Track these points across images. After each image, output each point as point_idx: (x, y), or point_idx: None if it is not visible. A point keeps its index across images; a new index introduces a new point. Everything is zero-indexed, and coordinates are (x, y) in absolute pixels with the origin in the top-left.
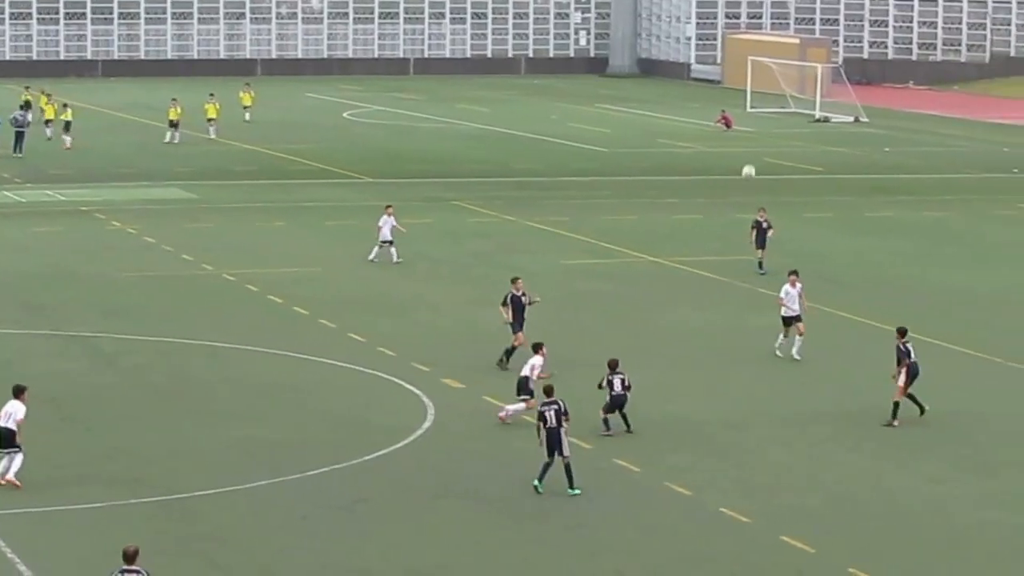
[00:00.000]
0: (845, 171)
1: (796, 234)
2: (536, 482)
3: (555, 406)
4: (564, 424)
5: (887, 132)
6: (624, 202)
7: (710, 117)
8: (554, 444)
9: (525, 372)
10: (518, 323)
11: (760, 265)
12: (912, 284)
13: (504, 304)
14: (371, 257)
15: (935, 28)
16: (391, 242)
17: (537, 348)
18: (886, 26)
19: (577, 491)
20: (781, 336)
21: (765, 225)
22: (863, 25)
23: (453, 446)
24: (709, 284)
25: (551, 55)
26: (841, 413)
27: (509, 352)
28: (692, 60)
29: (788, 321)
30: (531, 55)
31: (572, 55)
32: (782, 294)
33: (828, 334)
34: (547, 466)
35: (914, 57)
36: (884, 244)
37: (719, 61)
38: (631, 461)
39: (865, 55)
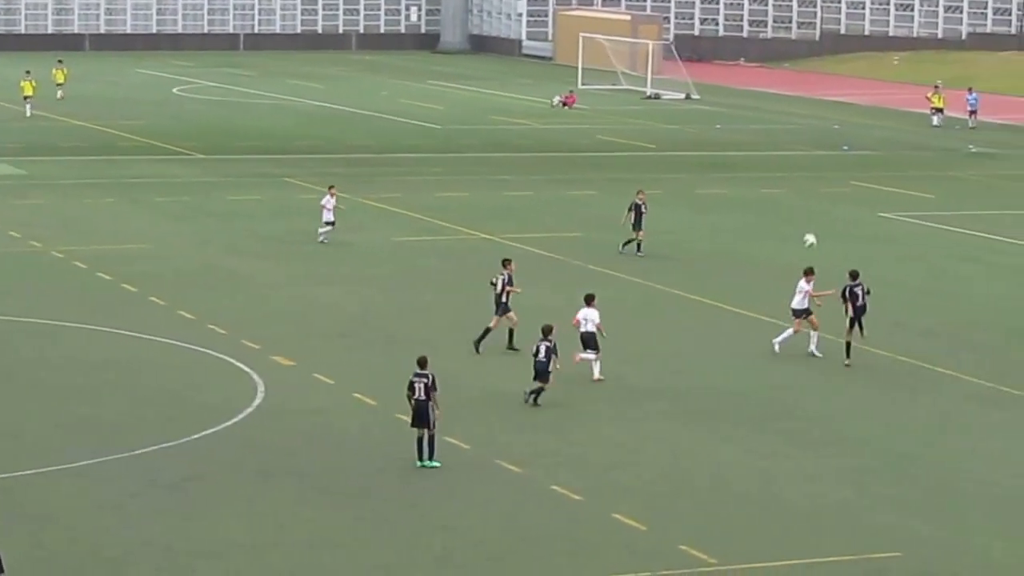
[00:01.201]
0: (677, 148)
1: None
2: (417, 461)
3: (424, 379)
4: (432, 397)
5: (718, 109)
6: (456, 179)
7: (542, 93)
8: (422, 416)
9: (590, 328)
10: (501, 306)
11: (639, 247)
12: (743, 261)
13: (510, 284)
14: (320, 239)
15: (766, 5)
16: (333, 223)
17: (589, 300)
18: (717, 3)
19: (436, 464)
20: (790, 330)
21: (644, 207)
22: (694, 2)
23: (283, 424)
24: (541, 261)
25: (382, 31)
26: (671, 389)
27: (484, 334)
28: (523, 37)
29: (799, 313)
30: (362, 31)
31: (403, 31)
32: (798, 289)
33: (659, 311)
34: (420, 440)
35: (745, 34)
36: (715, 221)
37: (550, 38)
38: (461, 438)
39: (696, 32)
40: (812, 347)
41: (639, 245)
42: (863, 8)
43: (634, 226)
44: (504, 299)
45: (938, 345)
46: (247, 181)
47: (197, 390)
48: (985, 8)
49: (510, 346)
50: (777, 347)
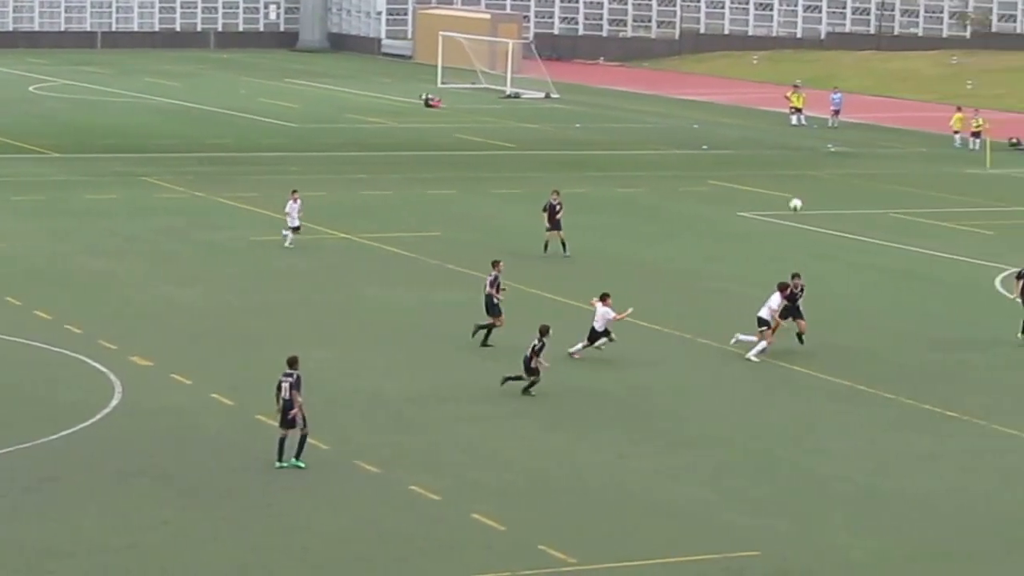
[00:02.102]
0: (536, 147)
1: (486, 210)
2: (277, 462)
3: (290, 379)
4: (293, 396)
5: (578, 108)
6: (314, 178)
7: (401, 92)
8: (286, 417)
9: (601, 325)
10: (495, 306)
11: (545, 247)
12: (603, 260)
13: (492, 286)
14: (287, 244)
15: (626, 4)
16: (298, 228)
17: (604, 298)
18: (577, 2)
19: (302, 464)
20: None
21: (558, 207)
22: (554, 1)
23: (140, 425)
24: (399, 260)
25: (240, 29)
26: (534, 390)
27: (488, 330)
28: (383, 35)
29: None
30: (220, 29)
31: (262, 29)
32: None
33: (518, 311)
34: (283, 441)
35: (605, 33)
36: (575, 220)
37: (410, 36)
38: (320, 439)
39: (556, 31)
40: (752, 352)
41: (546, 245)
42: (722, 8)
43: (550, 226)
44: (495, 300)
45: (796, 344)
46: (104, 180)
47: (53, 390)
48: (844, 8)
49: (477, 336)
50: (754, 358)
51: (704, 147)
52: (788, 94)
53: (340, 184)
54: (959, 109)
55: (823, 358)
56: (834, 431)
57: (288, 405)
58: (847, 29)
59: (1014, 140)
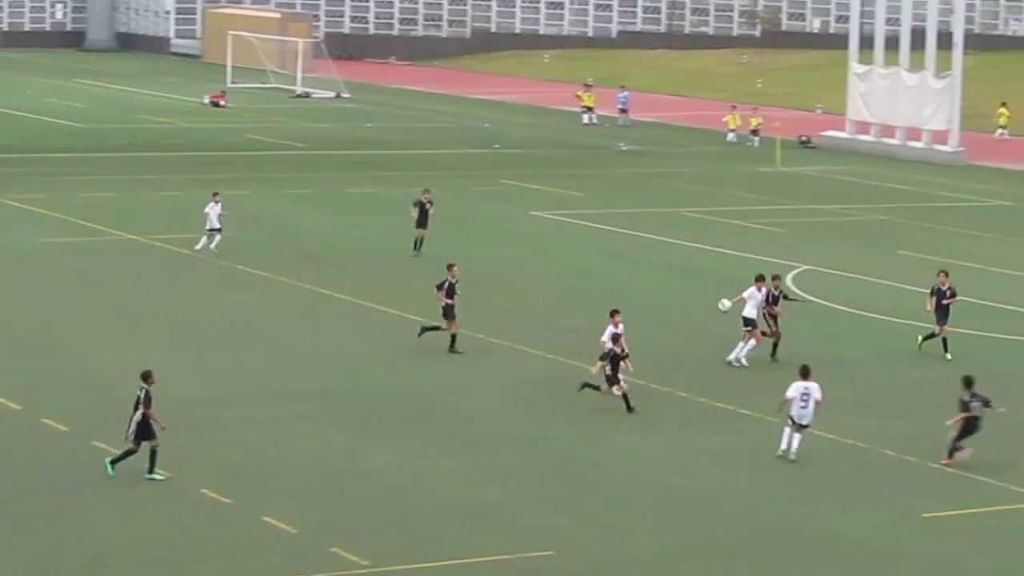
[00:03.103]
0: (327, 147)
1: (277, 211)
2: (109, 465)
3: (139, 393)
4: (138, 410)
5: (369, 107)
6: (103, 179)
7: (191, 92)
8: (144, 430)
9: (608, 344)
10: (451, 310)
11: (416, 245)
12: (394, 260)
13: (440, 288)
14: (197, 247)
15: (416, 4)
16: (219, 230)
17: (613, 314)
18: (367, 1)
19: (159, 476)
20: (753, 341)
21: (429, 205)
22: (344, 0)
23: None
24: (188, 262)
25: (27, 28)
26: (323, 391)
27: (452, 339)
28: (172, 34)
29: (749, 323)
30: (6, 28)
31: (48, 29)
32: (746, 294)
33: (309, 311)
34: (129, 453)
35: (395, 32)
36: (366, 220)
37: (199, 35)
38: (109, 443)
39: (347, 30)
40: (741, 354)
41: (420, 241)
42: (513, 6)
43: (418, 224)
44: (444, 304)
45: (589, 343)
46: None
47: None
48: (634, 7)
49: (452, 349)
50: (745, 361)
51: (496, 146)
52: (579, 93)
53: (130, 185)
54: (733, 107)
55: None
56: (629, 431)
57: (145, 419)
58: (638, 28)
59: (804, 138)
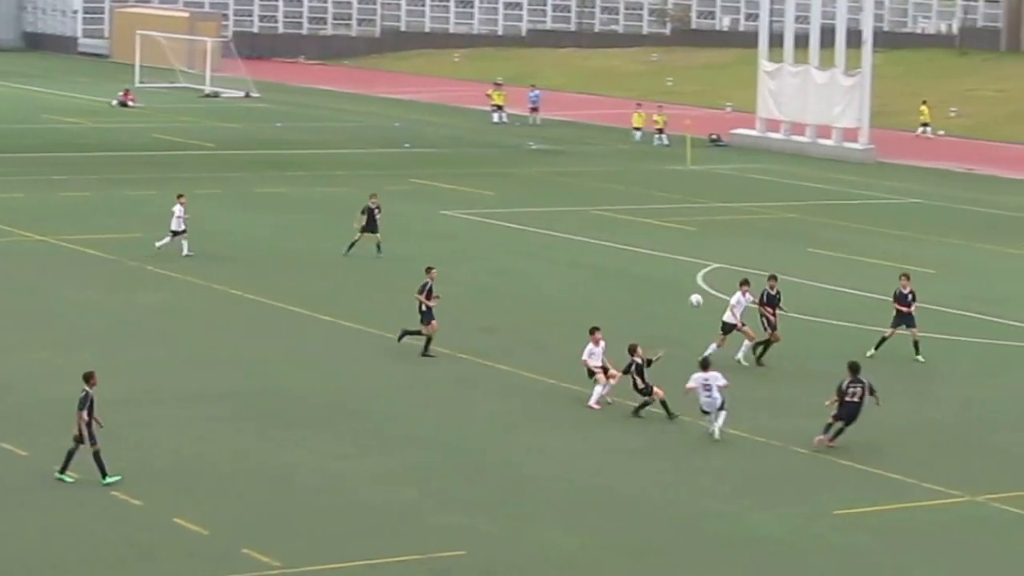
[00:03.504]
0: (236, 147)
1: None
2: (57, 473)
3: (81, 394)
4: (82, 414)
5: (279, 107)
6: (10, 179)
7: (99, 92)
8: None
9: (593, 362)
10: (429, 313)
11: (351, 247)
12: (304, 260)
13: (420, 292)
14: (158, 245)
15: (325, 3)
16: (184, 232)
17: (593, 332)
18: (276, 0)
19: (115, 478)
20: (714, 345)
21: (377, 210)
22: None
23: None
24: (98, 262)
25: None
26: (233, 391)
27: (426, 341)
28: (79, 34)
29: (728, 328)
30: None
31: None
32: (733, 301)
33: (219, 312)
34: (71, 453)
35: (305, 31)
36: (276, 220)
37: (107, 35)
38: (18, 444)
39: (256, 29)
40: (739, 354)
41: (379, 245)
42: (423, 5)
43: (366, 228)
44: (423, 307)
45: (501, 342)
46: None
47: None
48: (544, 5)
49: (425, 353)
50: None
51: (406, 145)
52: (489, 92)
53: (38, 185)
54: (639, 105)
55: (527, 356)
56: (542, 430)
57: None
58: (548, 26)
59: (715, 136)
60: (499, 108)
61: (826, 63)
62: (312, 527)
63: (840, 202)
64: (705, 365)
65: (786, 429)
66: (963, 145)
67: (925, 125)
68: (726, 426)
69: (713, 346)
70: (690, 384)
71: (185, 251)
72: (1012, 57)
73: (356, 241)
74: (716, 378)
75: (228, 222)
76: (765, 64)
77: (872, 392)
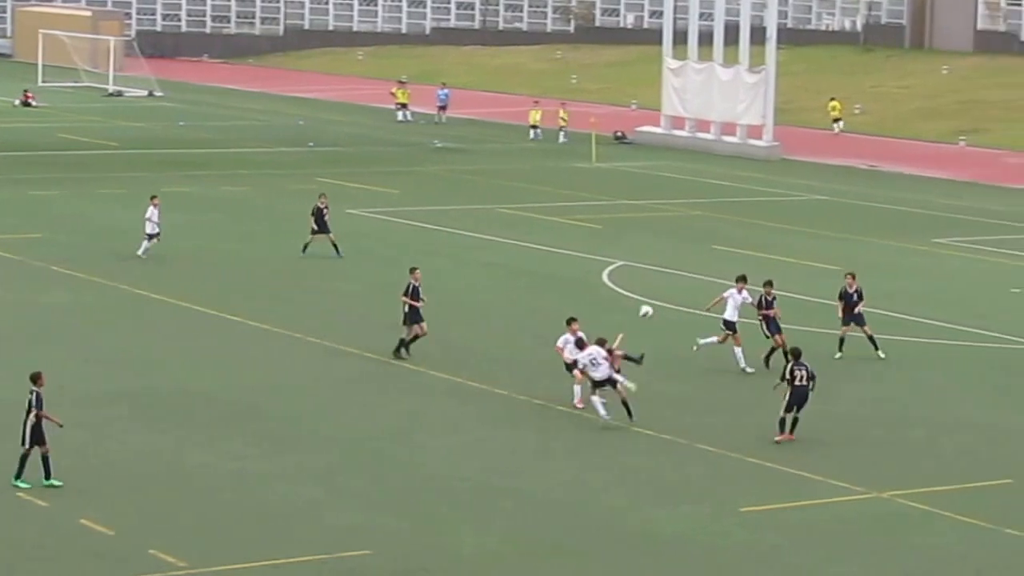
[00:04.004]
0: (140, 146)
1: (90, 211)
2: (13, 479)
3: (31, 395)
4: (32, 413)
5: (183, 106)
6: None
7: (1, 92)
8: (35, 434)
9: (570, 355)
10: (416, 314)
11: (305, 248)
12: (207, 260)
13: (406, 294)
14: (139, 252)
15: (229, 1)
16: (158, 235)
17: (570, 322)
18: None
19: (59, 483)
20: (714, 338)
21: (326, 210)
22: None
23: None
24: (2, 263)
25: None
26: (139, 392)
27: (405, 343)
28: None
29: (730, 326)
30: None
31: None
32: (730, 296)
33: (124, 312)
34: (25, 458)
35: (208, 30)
36: (181, 220)
37: (10, 34)
38: None
39: (159, 28)
40: (743, 364)
41: (335, 246)
42: (326, 3)
43: (317, 230)
44: (406, 308)
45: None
46: None
47: None
48: (448, 3)
49: (401, 352)
50: (698, 347)
51: (311, 144)
52: (394, 90)
53: None
54: (536, 103)
55: (435, 355)
56: (447, 428)
57: (38, 423)
58: (452, 24)
59: (620, 134)
60: (403, 106)
61: (730, 60)
62: (218, 527)
63: (745, 199)
64: (601, 343)
65: (690, 426)
66: (867, 142)
67: (837, 120)
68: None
69: (713, 338)
70: (573, 355)
71: (140, 251)
72: (916, 54)
73: (309, 243)
74: (598, 353)
75: (133, 222)
76: (669, 61)
77: (812, 378)
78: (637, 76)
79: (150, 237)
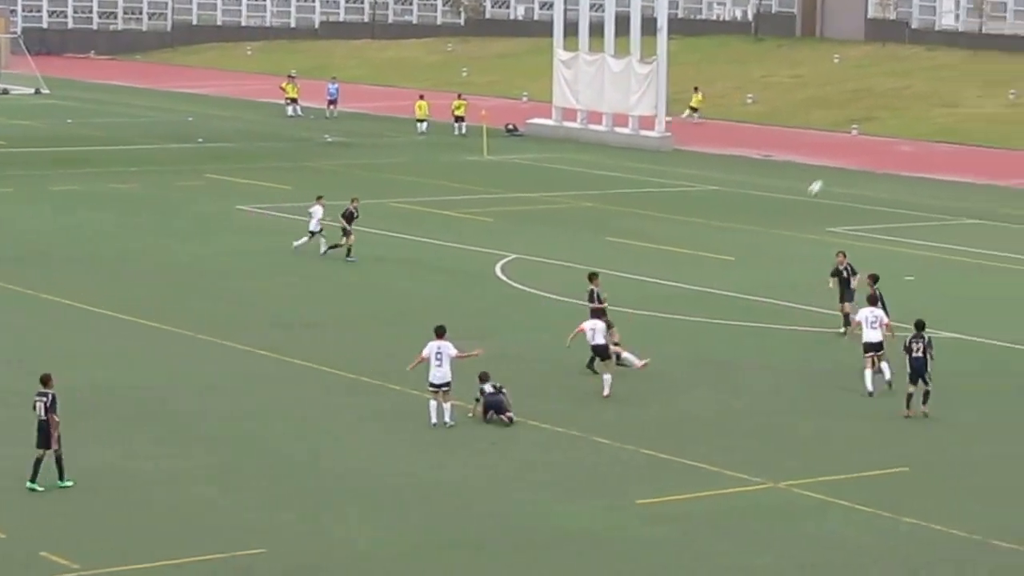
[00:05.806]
0: (27, 144)
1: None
2: (29, 483)
3: (44, 398)
4: (50, 417)
5: (70, 103)
6: None
7: None
8: (44, 436)
9: (599, 340)
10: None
11: (350, 249)
12: (99, 258)
13: (590, 300)
14: (296, 244)
15: None
16: (322, 231)
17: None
18: None
19: (69, 483)
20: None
21: (356, 214)
22: None
23: None
24: None
25: None
26: (30, 391)
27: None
28: None
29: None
30: None
31: None
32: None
33: (14, 312)
34: (39, 461)
35: (95, 26)
36: (70, 218)
37: None
38: None
39: (45, 25)
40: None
41: (349, 249)
42: None
43: (349, 231)
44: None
45: (303, 337)
46: None
47: None
48: None
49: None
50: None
51: (200, 140)
52: (283, 85)
53: None
54: (421, 96)
55: (328, 352)
56: (344, 425)
57: (45, 425)
58: (341, 18)
59: (511, 126)
60: (293, 101)
61: (621, 51)
62: (112, 527)
63: (637, 190)
64: (440, 333)
65: (586, 419)
66: (759, 131)
67: (694, 110)
68: (452, 415)
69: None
70: (425, 352)
71: (323, 250)
72: (807, 43)
73: (351, 246)
74: (447, 347)
75: (21, 221)
76: (560, 53)
77: (929, 347)
78: (528, 68)
79: (312, 234)
